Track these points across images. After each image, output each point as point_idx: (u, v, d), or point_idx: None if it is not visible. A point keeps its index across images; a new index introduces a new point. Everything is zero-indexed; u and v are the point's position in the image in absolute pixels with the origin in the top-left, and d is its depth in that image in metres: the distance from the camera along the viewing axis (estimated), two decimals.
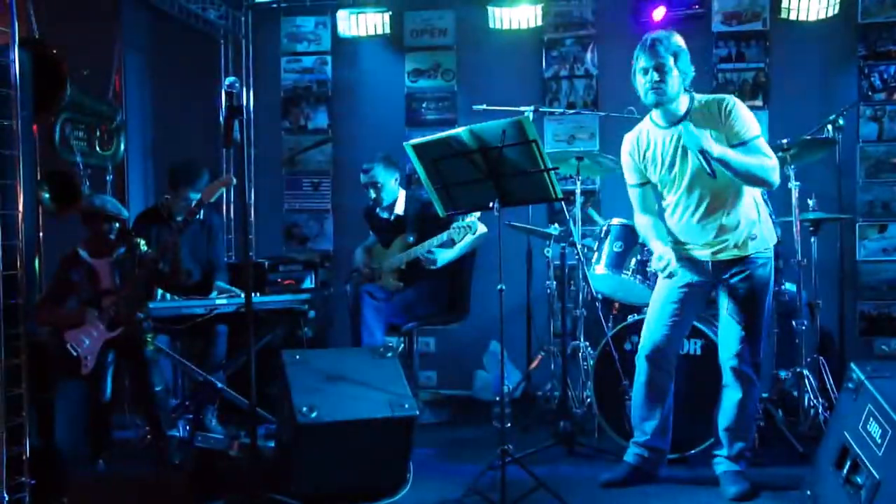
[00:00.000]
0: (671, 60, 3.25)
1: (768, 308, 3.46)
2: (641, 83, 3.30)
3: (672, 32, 3.34)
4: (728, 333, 3.41)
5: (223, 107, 5.51)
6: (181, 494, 3.48)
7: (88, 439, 3.77)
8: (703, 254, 3.41)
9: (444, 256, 4.58)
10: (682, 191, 3.37)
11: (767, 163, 3.22)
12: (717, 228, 3.34)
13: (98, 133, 4.73)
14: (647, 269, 4.06)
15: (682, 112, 3.32)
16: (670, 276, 3.34)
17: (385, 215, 4.83)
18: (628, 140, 3.53)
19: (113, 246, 3.85)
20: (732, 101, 3.30)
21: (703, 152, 3.12)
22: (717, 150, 3.14)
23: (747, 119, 3.27)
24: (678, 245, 3.46)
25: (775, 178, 3.24)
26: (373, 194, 4.73)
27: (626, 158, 3.54)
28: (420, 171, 3.38)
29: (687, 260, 3.45)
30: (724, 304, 3.41)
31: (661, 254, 3.34)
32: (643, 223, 3.54)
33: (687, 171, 3.33)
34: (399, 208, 4.79)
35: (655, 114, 3.40)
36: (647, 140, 3.44)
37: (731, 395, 3.43)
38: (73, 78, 4.19)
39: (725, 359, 3.42)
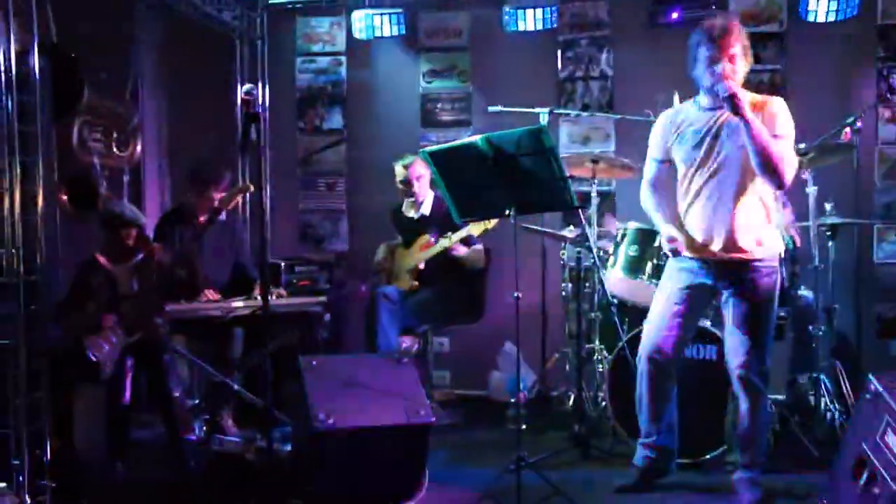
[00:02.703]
0: (740, 50, 3.24)
1: (774, 317, 3.43)
2: (709, 72, 3.24)
3: (737, 22, 3.31)
4: (734, 343, 3.40)
5: (240, 112, 5.58)
6: (198, 498, 3.51)
7: (107, 443, 3.81)
8: (709, 250, 3.36)
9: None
10: (705, 173, 3.33)
11: (786, 157, 3.19)
12: (730, 219, 3.31)
13: (115, 135, 4.75)
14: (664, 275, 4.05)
15: None
16: (676, 253, 3.39)
17: (411, 214, 4.83)
18: (665, 114, 3.55)
19: (131, 251, 3.87)
20: (779, 100, 3.30)
21: (734, 97, 3.10)
22: (748, 112, 3.12)
23: (785, 119, 3.26)
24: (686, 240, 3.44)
25: (787, 176, 3.20)
26: (416, 187, 4.73)
27: (657, 130, 3.54)
28: (437, 177, 3.40)
29: (690, 261, 3.44)
30: (730, 315, 3.39)
31: (671, 234, 3.40)
32: (649, 196, 3.57)
33: (714, 154, 3.31)
34: (426, 209, 4.78)
35: (702, 97, 3.39)
36: (684, 117, 3.44)
37: (740, 405, 3.43)
38: (90, 81, 4.21)
39: (732, 368, 3.42)
